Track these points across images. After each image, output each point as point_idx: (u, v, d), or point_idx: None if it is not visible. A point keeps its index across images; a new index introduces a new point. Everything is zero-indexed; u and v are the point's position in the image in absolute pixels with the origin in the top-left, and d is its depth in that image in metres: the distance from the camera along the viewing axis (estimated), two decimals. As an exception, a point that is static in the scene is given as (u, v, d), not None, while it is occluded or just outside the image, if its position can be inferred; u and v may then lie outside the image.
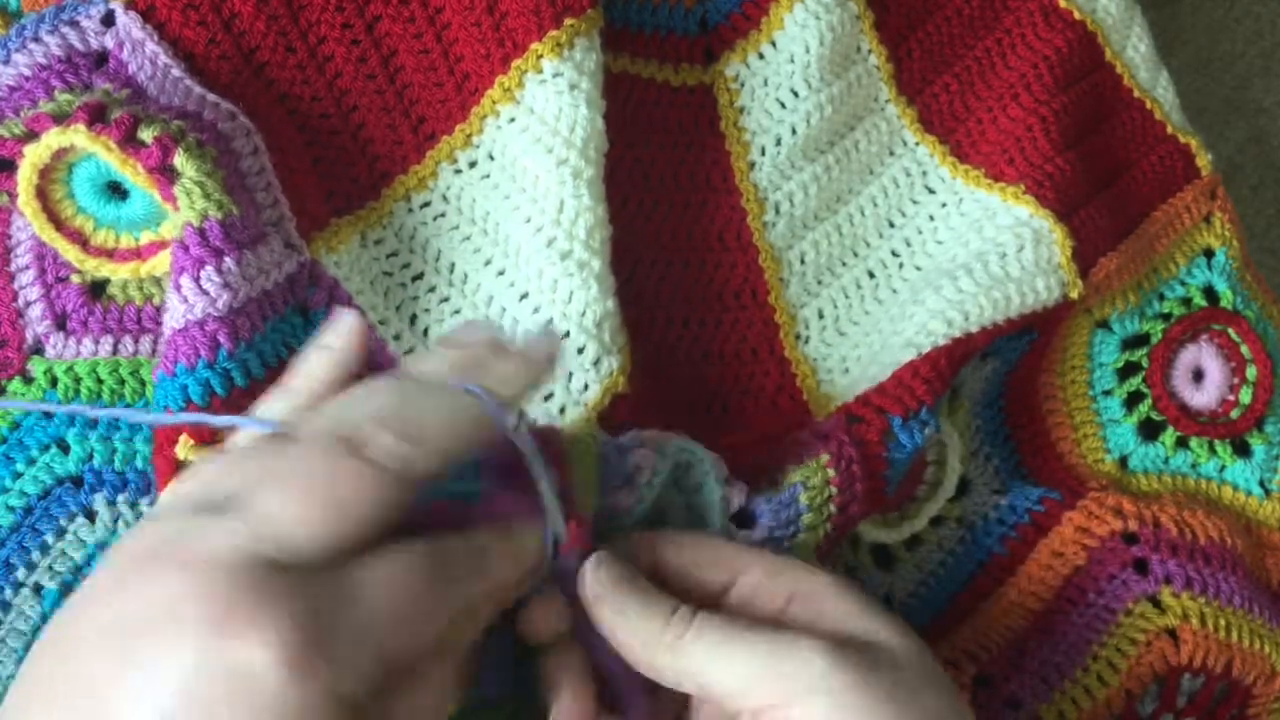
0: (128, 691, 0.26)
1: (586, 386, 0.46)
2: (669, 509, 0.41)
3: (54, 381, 0.45)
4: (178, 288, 0.42)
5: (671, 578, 0.37)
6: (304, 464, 0.29)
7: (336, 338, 0.35)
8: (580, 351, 0.46)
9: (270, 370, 0.43)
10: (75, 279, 0.46)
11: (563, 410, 0.46)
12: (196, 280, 0.42)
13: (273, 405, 0.34)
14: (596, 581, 0.35)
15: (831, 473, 0.44)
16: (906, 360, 0.49)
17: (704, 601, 0.36)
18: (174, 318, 0.42)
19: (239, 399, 0.42)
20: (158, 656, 0.26)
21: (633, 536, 0.38)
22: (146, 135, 0.43)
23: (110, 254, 0.45)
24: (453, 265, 0.50)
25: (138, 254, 0.45)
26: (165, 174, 0.43)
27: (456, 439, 0.31)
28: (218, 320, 0.42)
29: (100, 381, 0.45)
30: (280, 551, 0.27)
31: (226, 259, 0.42)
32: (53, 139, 0.43)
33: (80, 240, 0.45)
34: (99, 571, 0.29)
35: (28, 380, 0.45)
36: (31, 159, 0.43)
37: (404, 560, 0.30)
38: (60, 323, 0.45)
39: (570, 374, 0.46)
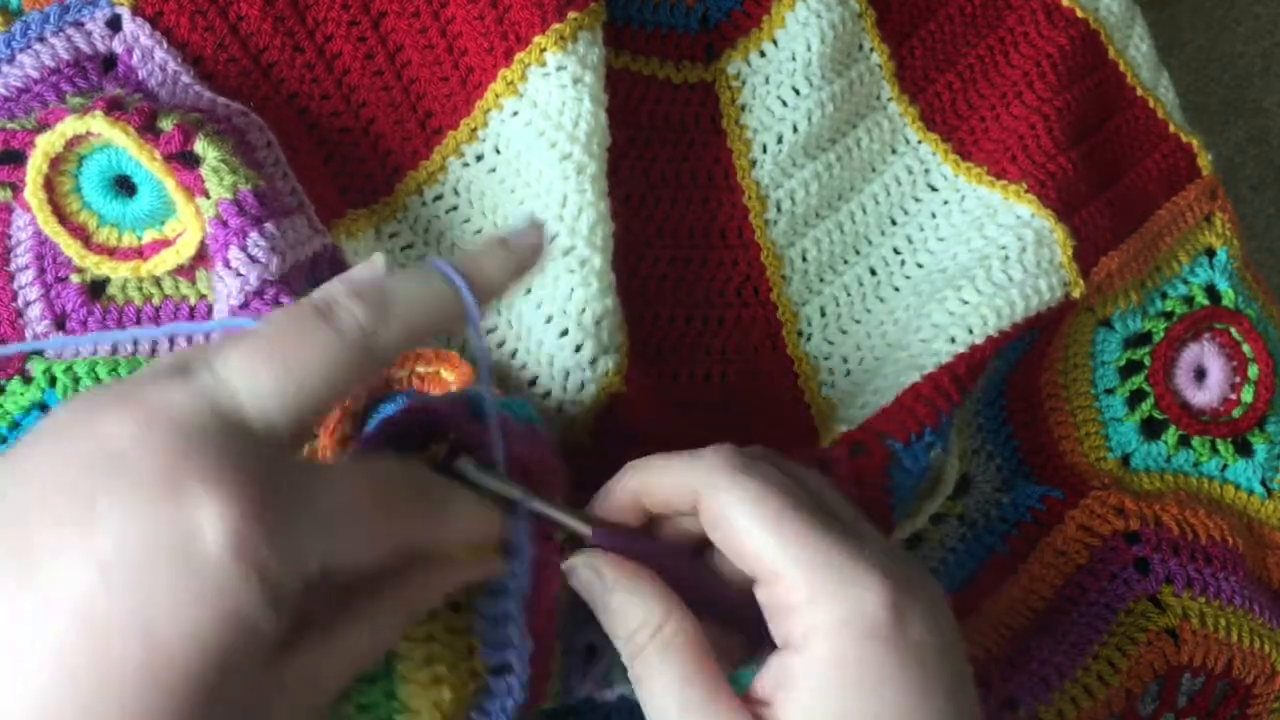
0: (63, 539, 0.25)
1: (583, 385, 0.46)
2: None
3: (53, 381, 0.44)
4: (227, 263, 0.42)
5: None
6: (271, 327, 0.29)
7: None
8: (578, 350, 0.45)
9: None
10: (75, 279, 0.45)
11: (560, 409, 0.46)
12: (244, 249, 0.42)
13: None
14: (578, 581, 0.36)
15: None
16: (910, 383, 0.49)
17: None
18: (230, 296, 0.42)
19: None
20: (100, 506, 0.25)
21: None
22: (166, 124, 0.43)
23: (111, 252, 0.45)
24: None
25: (139, 253, 0.45)
26: (184, 161, 0.43)
27: (425, 315, 0.31)
28: (274, 284, 0.42)
29: (99, 381, 0.45)
30: (238, 410, 0.27)
31: (267, 225, 0.43)
32: (69, 126, 0.43)
33: (82, 236, 0.45)
34: (53, 414, 0.27)
35: (26, 380, 0.45)
36: (44, 146, 0.43)
37: (377, 464, 0.30)
38: (59, 323, 0.45)
39: (567, 372, 0.45)
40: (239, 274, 0.42)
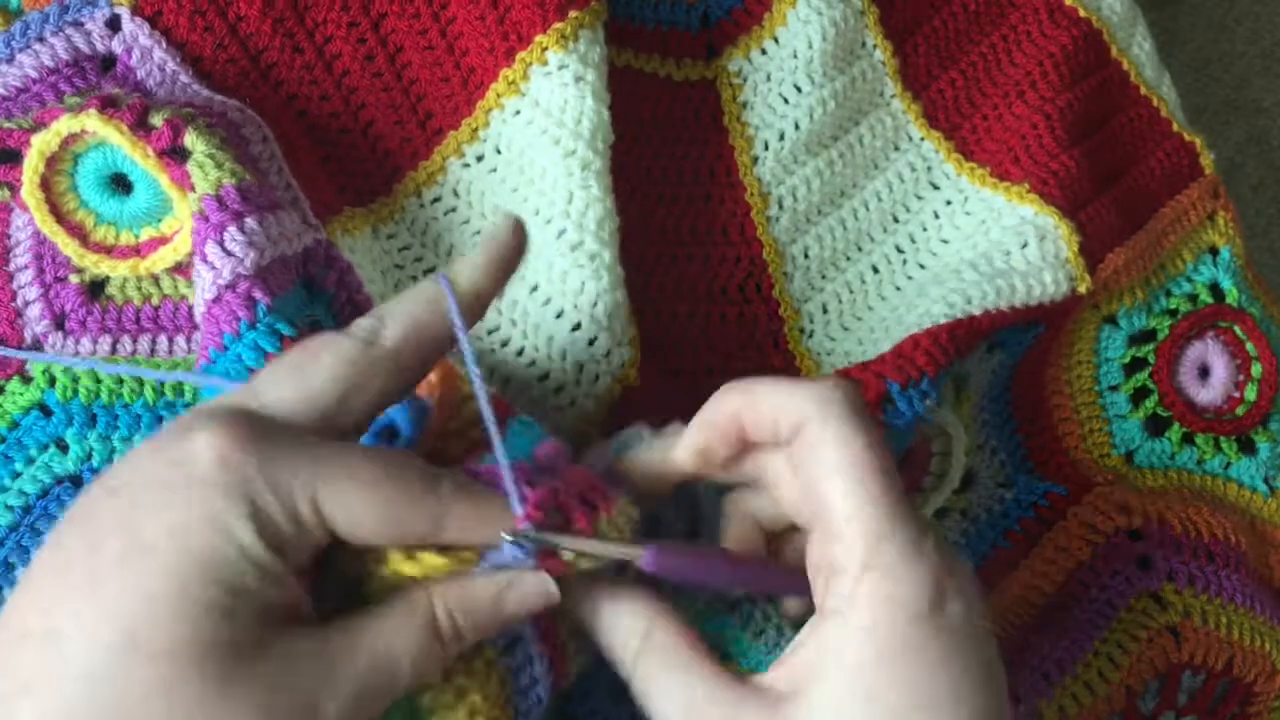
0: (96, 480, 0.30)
1: (598, 378, 0.46)
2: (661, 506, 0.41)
3: (52, 381, 0.44)
4: (204, 258, 0.41)
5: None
6: (297, 347, 0.33)
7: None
8: (591, 343, 0.45)
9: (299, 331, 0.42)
10: (74, 279, 0.45)
11: (573, 403, 0.46)
12: (221, 244, 0.41)
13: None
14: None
15: None
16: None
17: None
18: (204, 289, 0.42)
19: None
20: (125, 458, 0.30)
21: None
22: (157, 119, 0.43)
23: (109, 250, 0.45)
24: None
25: (137, 251, 0.45)
26: (175, 156, 0.43)
27: (417, 313, 0.34)
28: (248, 279, 0.41)
29: (99, 381, 0.44)
30: (264, 408, 0.31)
31: (248, 220, 0.42)
32: (64, 124, 0.43)
33: (80, 235, 0.45)
34: None
35: (26, 380, 0.44)
36: (39, 146, 0.43)
37: (366, 451, 0.32)
38: (59, 322, 0.45)
39: (581, 366, 0.45)
40: (213, 267, 0.41)
